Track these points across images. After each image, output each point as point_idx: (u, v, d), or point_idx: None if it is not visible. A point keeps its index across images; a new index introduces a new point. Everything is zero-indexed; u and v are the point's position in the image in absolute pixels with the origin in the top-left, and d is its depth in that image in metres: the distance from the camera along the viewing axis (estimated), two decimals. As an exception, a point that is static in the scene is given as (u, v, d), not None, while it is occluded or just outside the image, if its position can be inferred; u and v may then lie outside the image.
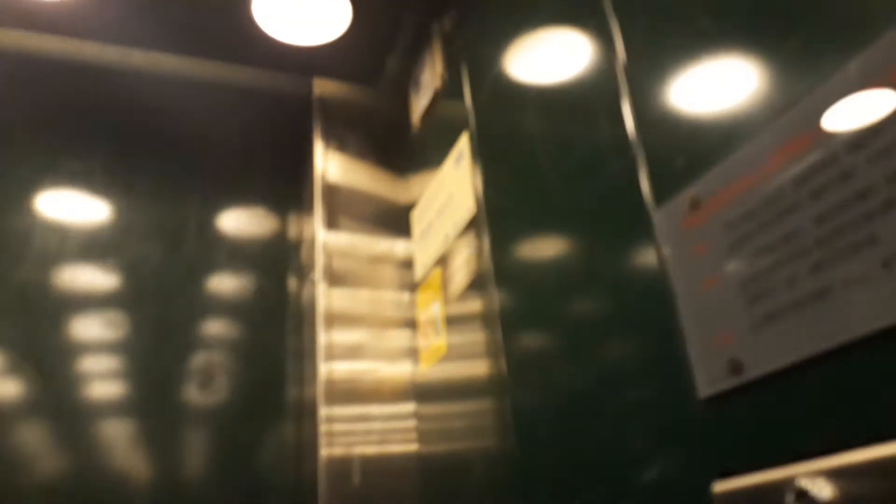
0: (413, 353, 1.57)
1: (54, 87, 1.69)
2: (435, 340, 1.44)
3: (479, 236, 1.25)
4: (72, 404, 1.52)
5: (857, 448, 0.51)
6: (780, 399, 0.60)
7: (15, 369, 1.51)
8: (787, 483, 0.55)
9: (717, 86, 0.70)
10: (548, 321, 1.01)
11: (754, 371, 0.61)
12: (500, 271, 1.16)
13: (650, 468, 0.75)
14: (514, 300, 1.11)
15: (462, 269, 1.32)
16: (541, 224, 1.05)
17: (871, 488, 0.49)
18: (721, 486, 0.63)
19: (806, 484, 0.53)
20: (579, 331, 0.92)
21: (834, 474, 0.52)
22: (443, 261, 1.43)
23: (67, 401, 1.52)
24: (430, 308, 1.48)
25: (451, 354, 1.36)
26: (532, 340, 1.06)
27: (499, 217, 1.20)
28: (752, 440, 0.62)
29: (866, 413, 0.52)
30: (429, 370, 1.47)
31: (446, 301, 1.39)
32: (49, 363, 1.53)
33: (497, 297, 1.16)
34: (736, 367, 0.64)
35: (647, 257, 0.78)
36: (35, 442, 1.47)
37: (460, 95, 1.39)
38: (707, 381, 0.67)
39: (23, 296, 1.57)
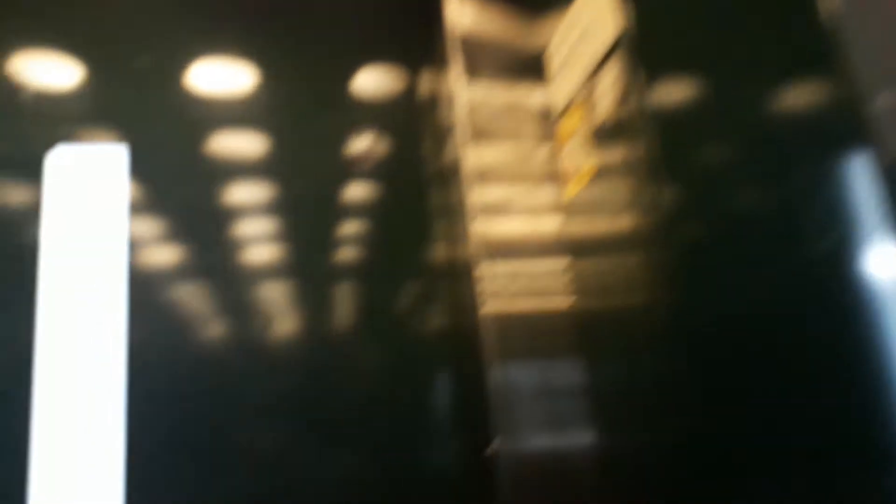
0: (560, 207, 1.53)
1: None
2: (577, 178, 1.39)
3: (624, 66, 1.15)
4: (225, 267, 1.66)
5: None
6: None
7: (174, 235, 1.66)
8: None
9: None
10: (710, 146, 0.92)
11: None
12: (650, 103, 1.07)
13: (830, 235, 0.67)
14: (668, 136, 1.02)
15: (605, 98, 1.24)
16: (699, 45, 0.94)
17: None
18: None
19: None
20: (759, 142, 0.83)
21: None
22: (583, 96, 1.34)
23: (222, 264, 1.66)
24: (573, 144, 1.42)
25: (596, 198, 1.30)
26: (695, 166, 0.97)
27: (647, 41, 1.09)
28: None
29: None
30: (574, 218, 1.43)
31: (591, 133, 1.32)
32: (205, 229, 1.66)
33: (646, 136, 1.07)
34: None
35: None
36: (193, 304, 1.64)
37: None
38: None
39: (178, 163, 1.70)
